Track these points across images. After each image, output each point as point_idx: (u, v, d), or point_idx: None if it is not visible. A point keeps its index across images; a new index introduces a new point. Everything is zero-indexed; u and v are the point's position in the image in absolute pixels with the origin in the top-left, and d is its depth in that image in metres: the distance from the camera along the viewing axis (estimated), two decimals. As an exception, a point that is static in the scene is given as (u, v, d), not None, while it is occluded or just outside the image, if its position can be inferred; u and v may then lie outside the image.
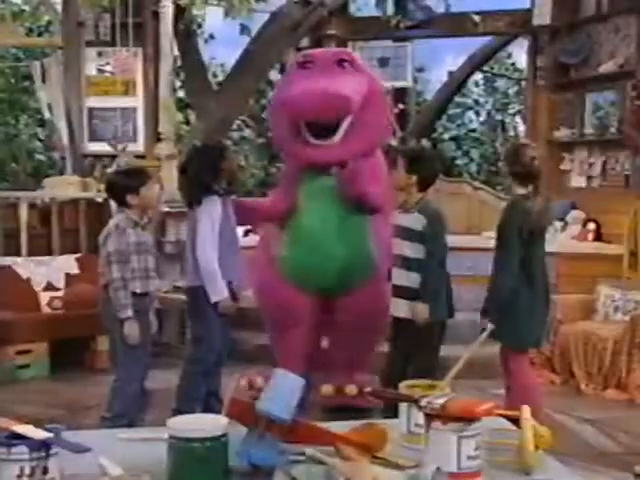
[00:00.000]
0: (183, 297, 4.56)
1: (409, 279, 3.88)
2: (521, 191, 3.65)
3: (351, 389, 4.23)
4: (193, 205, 3.94)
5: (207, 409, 3.89)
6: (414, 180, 3.87)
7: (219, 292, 3.85)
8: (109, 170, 6.36)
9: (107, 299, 3.67)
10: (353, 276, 4.04)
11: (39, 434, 1.35)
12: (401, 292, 3.92)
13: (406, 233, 3.89)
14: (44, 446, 1.34)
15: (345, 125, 3.91)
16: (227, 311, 3.90)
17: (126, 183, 3.73)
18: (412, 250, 3.86)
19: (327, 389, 4.20)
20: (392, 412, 1.75)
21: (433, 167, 4.03)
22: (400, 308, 3.93)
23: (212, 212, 3.85)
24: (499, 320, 3.57)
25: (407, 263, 3.88)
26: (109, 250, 3.61)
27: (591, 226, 6.93)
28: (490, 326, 2.31)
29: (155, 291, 3.96)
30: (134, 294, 3.66)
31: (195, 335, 4.07)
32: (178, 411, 3.73)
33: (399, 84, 9.71)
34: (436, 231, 3.85)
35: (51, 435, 1.35)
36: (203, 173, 3.89)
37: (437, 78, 14.68)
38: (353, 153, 3.93)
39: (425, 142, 13.01)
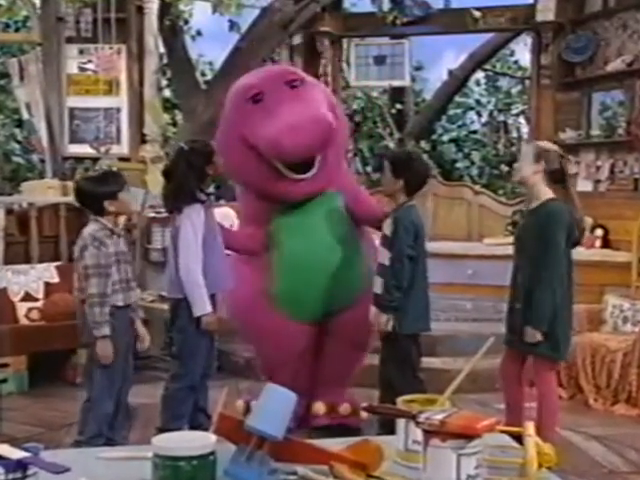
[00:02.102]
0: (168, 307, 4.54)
1: (377, 285, 3.94)
2: (549, 195, 3.70)
3: (345, 408, 4.24)
4: (174, 213, 3.92)
5: (195, 426, 3.88)
6: (401, 185, 3.92)
7: (202, 306, 3.81)
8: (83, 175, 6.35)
9: (84, 314, 3.65)
10: (343, 301, 4.12)
11: (16, 454, 1.34)
12: (374, 300, 3.96)
13: (382, 239, 3.99)
14: (21, 466, 1.33)
15: (318, 160, 3.86)
16: (210, 327, 3.85)
17: (103, 189, 3.67)
18: (381, 256, 3.94)
19: (318, 407, 4.20)
20: (389, 428, 1.75)
21: (420, 171, 4.06)
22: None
23: (194, 221, 3.81)
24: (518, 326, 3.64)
25: (378, 269, 3.95)
26: (87, 263, 3.56)
27: (598, 232, 6.96)
28: (492, 338, 2.33)
29: (137, 301, 3.95)
30: (116, 307, 3.64)
31: (179, 350, 4.04)
32: (163, 430, 3.71)
33: (396, 83, 9.75)
34: (396, 238, 3.88)
35: (29, 455, 1.35)
36: (187, 178, 3.85)
37: (436, 77, 14.71)
38: (328, 179, 3.97)
39: (424, 144, 13.07)
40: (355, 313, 4.08)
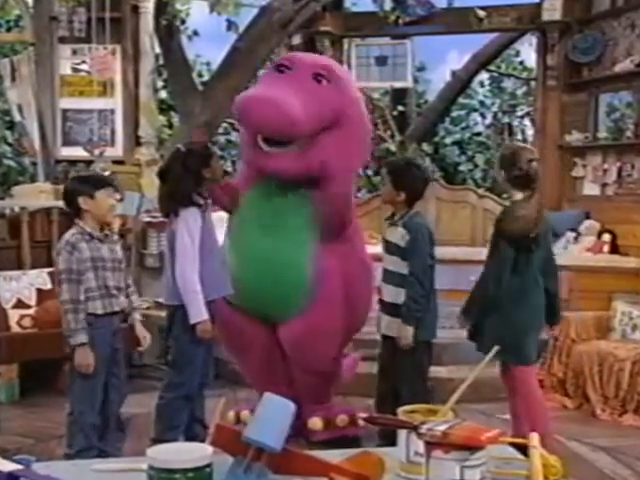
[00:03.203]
0: (165, 314, 4.54)
1: (393, 295, 3.99)
2: (519, 196, 3.78)
3: (342, 419, 4.26)
4: (170, 217, 3.91)
5: (191, 436, 3.87)
6: (402, 197, 3.99)
7: (198, 314, 3.79)
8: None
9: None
10: (287, 303, 4.08)
11: (7, 466, 1.34)
12: (388, 308, 3.99)
13: (391, 248, 4.03)
14: (12, 479, 1.33)
15: (300, 142, 3.83)
16: (205, 335, 3.82)
17: (80, 186, 3.66)
18: (395, 265, 3.99)
19: (314, 423, 4.20)
20: (390, 439, 1.76)
21: (420, 182, 4.11)
22: (388, 326, 4.04)
23: (191, 226, 3.79)
24: (497, 334, 3.65)
25: (392, 278, 4.00)
26: (59, 268, 3.55)
27: (606, 237, 6.96)
28: (496, 347, 2.36)
29: (134, 306, 3.92)
30: (95, 315, 3.59)
31: (174, 358, 4.02)
32: (158, 441, 3.70)
33: (398, 84, 9.78)
34: (417, 248, 3.95)
35: (20, 467, 1.35)
36: (183, 181, 3.83)
37: (439, 78, 14.74)
38: (311, 167, 3.89)
39: (426, 146, 13.07)
40: (298, 323, 4.06)
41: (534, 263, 3.76)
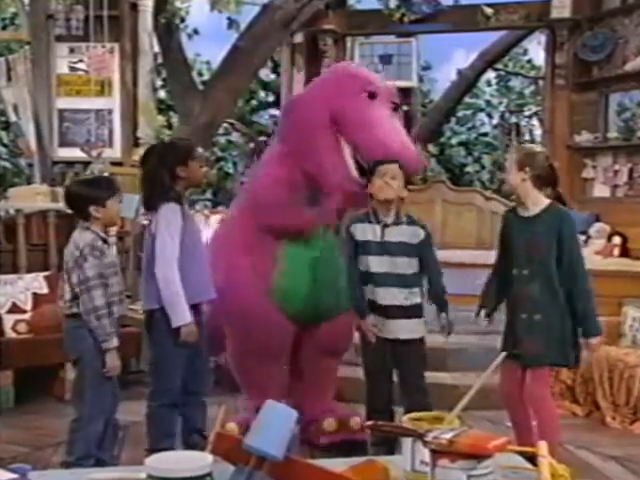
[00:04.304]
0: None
1: (399, 296, 3.94)
2: (546, 199, 3.79)
3: (355, 422, 4.25)
4: (150, 212, 3.84)
5: (190, 446, 3.86)
6: (405, 194, 3.97)
7: (181, 317, 3.72)
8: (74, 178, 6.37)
9: (74, 328, 3.62)
10: (337, 305, 4.20)
11: (2, 475, 1.34)
12: (395, 312, 3.96)
13: (401, 248, 3.94)
14: (8, 487, 1.33)
15: None
16: (189, 338, 3.75)
17: (90, 193, 3.64)
18: (409, 266, 3.94)
19: (329, 424, 4.20)
20: (389, 446, 1.76)
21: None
22: (401, 329, 3.97)
23: (170, 221, 3.71)
24: (521, 337, 3.68)
25: (404, 280, 3.94)
26: (88, 275, 3.52)
27: (616, 240, 6.95)
28: (504, 352, 2.37)
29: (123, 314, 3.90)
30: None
31: (155, 365, 3.96)
32: (152, 451, 3.70)
33: (403, 84, 9.75)
34: (432, 246, 4.02)
35: (16, 476, 1.35)
36: (158, 173, 3.76)
37: (445, 77, 14.78)
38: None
39: (432, 147, 13.08)
40: (337, 324, 4.25)
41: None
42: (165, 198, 3.74)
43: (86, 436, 3.64)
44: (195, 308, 3.85)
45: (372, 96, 4.08)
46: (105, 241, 3.67)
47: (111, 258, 3.67)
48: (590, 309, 3.79)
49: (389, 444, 3.26)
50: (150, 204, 3.84)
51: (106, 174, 6.66)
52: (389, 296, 3.96)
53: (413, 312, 3.96)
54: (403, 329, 3.96)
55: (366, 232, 3.96)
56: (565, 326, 3.76)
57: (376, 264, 3.95)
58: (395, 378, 4.08)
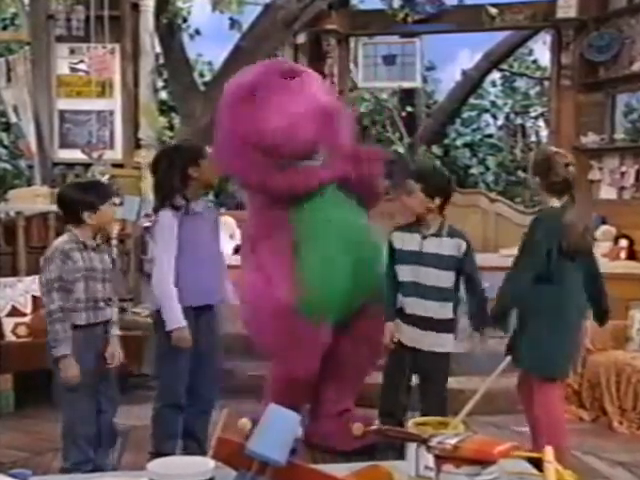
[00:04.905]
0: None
1: (436, 310, 3.95)
2: (556, 204, 3.76)
3: (357, 427, 4.24)
4: (154, 215, 3.90)
5: (186, 452, 3.88)
6: (438, 203, 3.95)
7: (173, 320, 3.74)
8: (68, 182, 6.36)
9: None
10: (366, 298, 4.16)
11: None
12: (429, 324, 3.96)
13: (439, 261, 3.93)
14: (8, 492, 1.33)
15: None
16: (180, 343, 3.76)
17: (82, 198, 3.61)
18: (442, 279, 3.94)
19: (357, 428, 4.18)
20: (398, 451, 1.76)
21: (450, 185, 4.18)
22: (426, 341, 3.99)
23: (164, 228, 3.77)
24: (527, 344, 3.68)
25: (436, 292, 3.94)
26: (48, 277, 3.51)
27: (623, 243, 6.95)
28: (508, 358, 2.37)
29: (113, 318, 3.79)
30: (75, 326, 3.55)
31: (157, 366, 4.02)
32: (155, 454, 3.70)
33: (407, 84, 9.80)
34: (473, 257, 4.00)
35: (16, 480, 1.35)
36: (168, 177, 3.80)
37: (449, 78, 14.80)
38: (338, 168, 4.02)
39: (436, 149, 13.08)
40: (374, 313, 4.14)
41: (574, 273, 3.77)
42: (163, 204, 3.79)
43: (75, 441, 3.63)
44: (200, 310, 3.87)
45: (285, 76, 3.98)
46: (85, 245, 3.60)
47: (85, 264, 3.58)
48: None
49: (398, 448, 3.26)
50: (155, 208, 3.90)
51: (107, 176, 6.68)
52: (417, 306, 3.97)
53: (442, 326, 3.96)
54: (428, 341, 3.98)
55: (405, 241, 4.00)
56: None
57: (407, 273, 3.98)
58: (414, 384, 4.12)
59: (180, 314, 3.74)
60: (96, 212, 3.59)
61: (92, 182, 4.62)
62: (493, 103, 15.81)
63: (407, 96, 13.92)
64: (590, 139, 7.53)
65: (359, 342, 4.25)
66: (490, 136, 15.56)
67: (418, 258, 3.95)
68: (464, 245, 3.93)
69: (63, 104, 7.32)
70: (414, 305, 3.97)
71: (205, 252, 3.90)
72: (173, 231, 3.76)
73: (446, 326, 3.97)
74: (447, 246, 3.92)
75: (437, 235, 3.95)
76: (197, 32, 11.08)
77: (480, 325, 3.97)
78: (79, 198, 3.62)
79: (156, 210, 3.89)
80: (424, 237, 3.96)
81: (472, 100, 14.64)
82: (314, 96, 3.88)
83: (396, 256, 4.02)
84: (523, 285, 3.72)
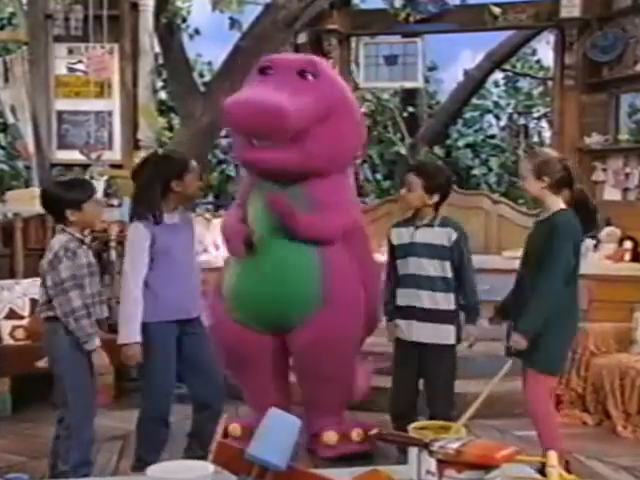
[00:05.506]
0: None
1: (432, 300, 3.97)
2: (558, 206, 3.81)
3: (358, 433, 4.25)
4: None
5: (186, 454, 3.88)
6: (435, 200, 4.02)
7: (124, 335, 3.71)
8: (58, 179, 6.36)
9: (49, 332, 3.63)
10: (297, 311, 4.09)
11: (-1, 484, 1.35)
12: (424, 315, 3.98)
13: (429, 250, 3.98)
14: (5, 497, 1.34)
15: (291, 136, 3.89)
16: (128, 361, 3.73)
17: (67, 196, 3.63)
18: (435, 268, 3.97)
19: (330, 437, 4.20)
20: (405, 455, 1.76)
21: (449, 184, 4.22)
22: (424, 333, 3.99)
23: (133, 242, 3.76)
24: (545, 345, 3.72)
25: (428, 282, 3.96)
26: (63, 277, 3.52)
27: (628, 245, 6.94)
28: (510, 361, 2.36)
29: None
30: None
31: (140, 376, 3.99)
32: (138, 461, 3.78)
33: (409, 85, 9.78)
34: (467, 244, 4.04)
35: (13, 485, 1.35)
36: (149, 187, 3.76)
37: (451, 78, 14.82)
38: (304, 161, 3.95)
39: (438, 149, 13.09)
40: (309, 329, 4.07)
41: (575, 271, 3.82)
42: (136, 215, 3.77)
43: (80, 443, 3.65)
44: (183, 323, 3.85)
45: (262, 71, 4.10)
46: (82, 242, 3.65)
47: (87, 259, 3.63)
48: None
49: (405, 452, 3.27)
50: (131, 217, 3.85)
51: (105, 177, 6.68)
52: (413, 297, 4.00)
53: (439, 317, 3.97)
54: (426, 333, 3.99)
55: (400, 236, 4.08)
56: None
57: (403, 266, 4.04)
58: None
59: (132, 329, 3.70)
60: (79, 209, 3.60)
61: (75, 180, 4.60)
62: (496, 103, 15.82)
63: (409, 96, 13.93)
64: (594, 140, 7.53)
65: (302, 362, 4.23)
66: (493, 137, 15.56)
67: (409, 249, 4.03)
68: (454, 234, 3.97)
69: (61, 104, 7.32)
70: (410, 296, 4.01)
71: (180, 264, 3.83)
72: (144, 245, 3.72)
73: (444, 317, 3.97)
74: (438, 235, 3.98)
75: (429, 225, 4.02)
76: (197, 32, 11.08)
77: (470, 317, 4.02)
78: (62, 195, 3.65)
79: (131, 219, 3.85)
80: (416, 227, 4.04)
81: (474, 100, 14.64)
82: (264, 92, 3.93)
83: (395, 252, 4.11)
84: (557, 294, 3.73)
